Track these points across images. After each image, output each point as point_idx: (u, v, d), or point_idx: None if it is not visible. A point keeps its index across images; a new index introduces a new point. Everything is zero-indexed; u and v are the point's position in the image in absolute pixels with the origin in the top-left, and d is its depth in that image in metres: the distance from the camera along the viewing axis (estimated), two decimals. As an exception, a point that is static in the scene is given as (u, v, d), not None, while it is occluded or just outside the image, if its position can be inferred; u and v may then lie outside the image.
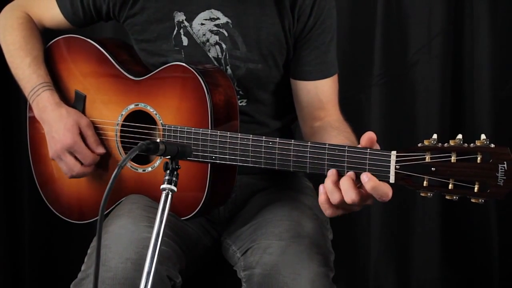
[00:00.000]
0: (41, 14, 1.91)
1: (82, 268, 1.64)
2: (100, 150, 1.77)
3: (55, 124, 1.77)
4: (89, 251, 1.68)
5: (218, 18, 1.74)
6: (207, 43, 1.76)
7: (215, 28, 1.75)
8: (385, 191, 1.38)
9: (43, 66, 1.85)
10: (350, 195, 1.40)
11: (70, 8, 1.85)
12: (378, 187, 1.38)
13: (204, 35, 1.75)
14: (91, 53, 1.82)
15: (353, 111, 2.59)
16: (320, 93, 1.79)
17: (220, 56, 1.76)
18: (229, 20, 1.74)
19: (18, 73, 1.85)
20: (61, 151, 1.77)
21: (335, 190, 1.42)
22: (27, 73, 1.82)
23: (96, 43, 1.82)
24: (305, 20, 1.74)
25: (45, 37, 1.93)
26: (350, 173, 1.42)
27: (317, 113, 1.80)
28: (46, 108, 1.79)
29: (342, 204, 1.42)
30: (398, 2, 2.53)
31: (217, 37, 1.75)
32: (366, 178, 1.38)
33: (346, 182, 1.41)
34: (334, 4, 1.79)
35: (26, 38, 1.87)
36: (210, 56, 1.76)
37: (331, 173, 1.44)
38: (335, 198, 1.42)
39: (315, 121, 1.80)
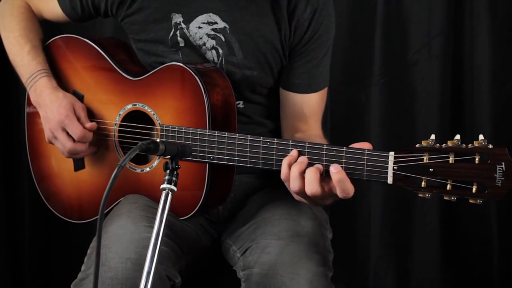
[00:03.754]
0: (41, 6, 1.92)
1: (82, 268, 1.64)
2: (90, 124, 1.75)
3: (51, 104, 1.76)
4: (89, 251, 1.68)
5: (215, 23, 1.74)
6: (203, 47, 1.75)
7: (212, 33, 1.74)
8: (350, 187, 1.41)
9: (42, 54, 1.85)
10: (312, 187, 1.43)
11: (69, 3, 1.86)
12: (344, 181, 1.41)
13: (201, 38, 1.75)
14: (89, 53, 1.82)
15: (353, 111, 2.59)
16: (305, 107, 1.80)
17: (216, 61, 1.75)
18: (226, 26, 1.74)
19: (17, 59, 1.85)
20: (55, 128, 1.75)
21: (298, 179, 1.45)
22: (26, 60, 1.82)
23: (94, 43, 1.82)
24: (302, 34, 1.74)
25: (45, 35, 1.92)
26: (318, 166, 1.45)
27: (298, 125, 1.80)
28: (42, 93, 1.78)
29: (301, 192, 1.45)
30: (398, 2, 2.53)
31: (213, 42, 1.75)
32: (335, 170, 1.41)
33: (311, 173, 1.43)
34: (333, 19, 1.78)
35: (26, 27, 1.87)
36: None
37: (302, 159, 1.46)
38: (294, 186, 1.45)
39: (296, 132, 1.81)
